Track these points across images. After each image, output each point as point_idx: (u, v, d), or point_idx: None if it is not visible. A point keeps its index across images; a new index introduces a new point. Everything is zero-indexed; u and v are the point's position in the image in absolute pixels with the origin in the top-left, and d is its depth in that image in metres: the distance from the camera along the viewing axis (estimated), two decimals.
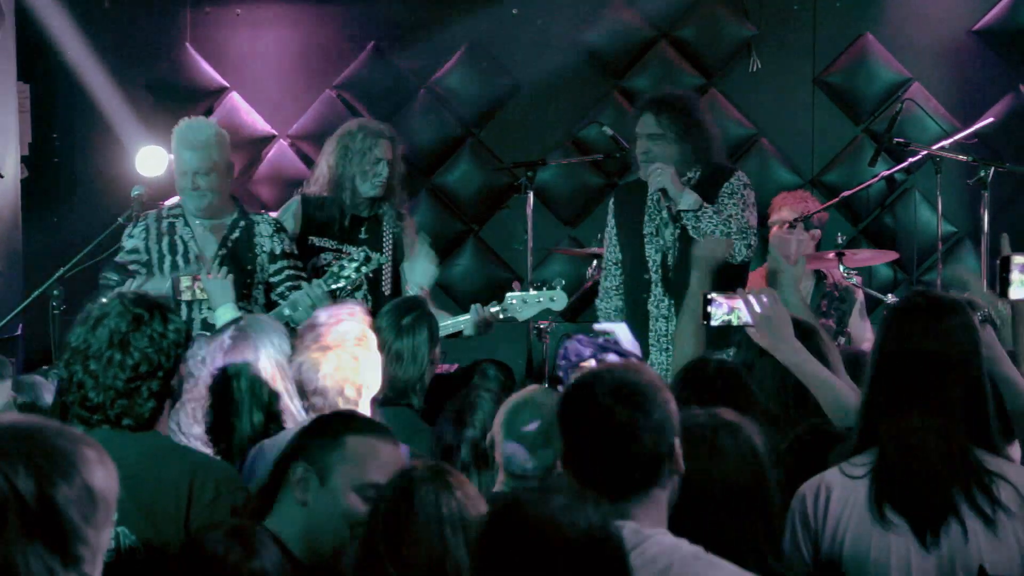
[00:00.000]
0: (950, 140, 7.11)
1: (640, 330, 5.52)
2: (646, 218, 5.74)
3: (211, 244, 5.64)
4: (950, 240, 8.01)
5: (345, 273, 5.49)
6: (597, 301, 5.96)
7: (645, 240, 5.71)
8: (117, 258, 5.73)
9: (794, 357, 3.64)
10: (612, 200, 5.94)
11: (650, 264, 5.70)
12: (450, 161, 8.50)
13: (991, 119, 7.49)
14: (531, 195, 6.88)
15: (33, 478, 2.03)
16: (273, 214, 7.83)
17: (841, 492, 3.08)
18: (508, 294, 5.68)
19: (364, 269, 5.52)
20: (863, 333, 6.86)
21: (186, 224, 5.66)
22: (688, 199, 5.59)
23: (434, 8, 8.42)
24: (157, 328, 3.34)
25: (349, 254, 5.82)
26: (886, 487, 3.03)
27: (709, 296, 3.87)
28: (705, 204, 5.60)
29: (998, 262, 3.34)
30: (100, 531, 2.11)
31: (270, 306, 5.66)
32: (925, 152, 6.91)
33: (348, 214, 5.96)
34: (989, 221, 6.66)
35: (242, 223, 5.69)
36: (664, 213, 5.72)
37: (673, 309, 5.62)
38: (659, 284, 5.69)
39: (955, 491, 3.00)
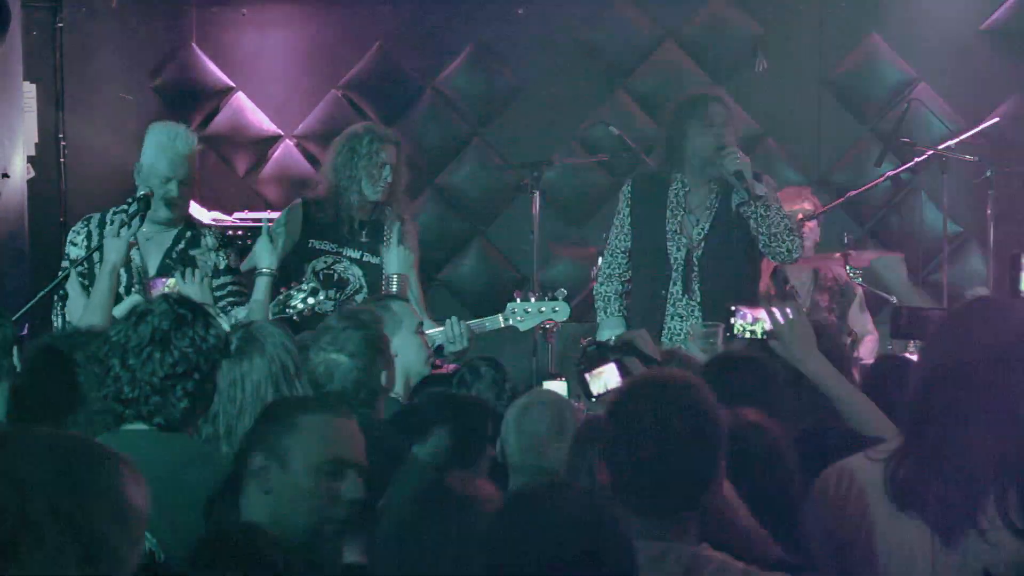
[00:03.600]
0: (956, 140, 7.10)
1: (654, 325, 5.51)
2: (668, 213, 5.71)
3: (154, 254, 5.53)
4: (956, 240, 7.97)
5: (292, 303, 5.39)
6: (596, 285, 5.94)
7: (668, 237, 5.69)
8: (63, 267, 5.56)
9: (818, 369, 3.61)
10: (628, 187, 5.88)
11: (671, 261, 5.68)
12: (455, 161, 8.50)
13: (997, 119, 7.48)
14: (537, 195, 6.89)
15: (69, 495, 2.01)
16: (275, 215, 7.91)
17: (864, 475, 2.99)
18: (509, 304, 5.64)
19: (311, 301, 5.39)
20: (864, 327, 6.89)
21: None
22: (762, 187, 5.60)
23: (439, 8, 8.42)
24: (199, 331, 3.38)
25: (346, 256, 5.86)
26: (909, 472, 2.92)
27: (733, 307, 3.85)
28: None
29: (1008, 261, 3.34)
30: (134, 547, 2.10)
31: None
32: (931, 152, 6.90)
33: (349, 217, 5.95)
34: (995, 221, 6.72)
35: (188, 235, 5.58)
36: (687, 214, 5.69)
37: (690, 308, 5.61)
38: (679, 282, 5.68)
39: (987, 492, 2.88)
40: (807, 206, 6.92)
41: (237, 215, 7.88)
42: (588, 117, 8.23)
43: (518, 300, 5.61)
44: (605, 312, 5.85)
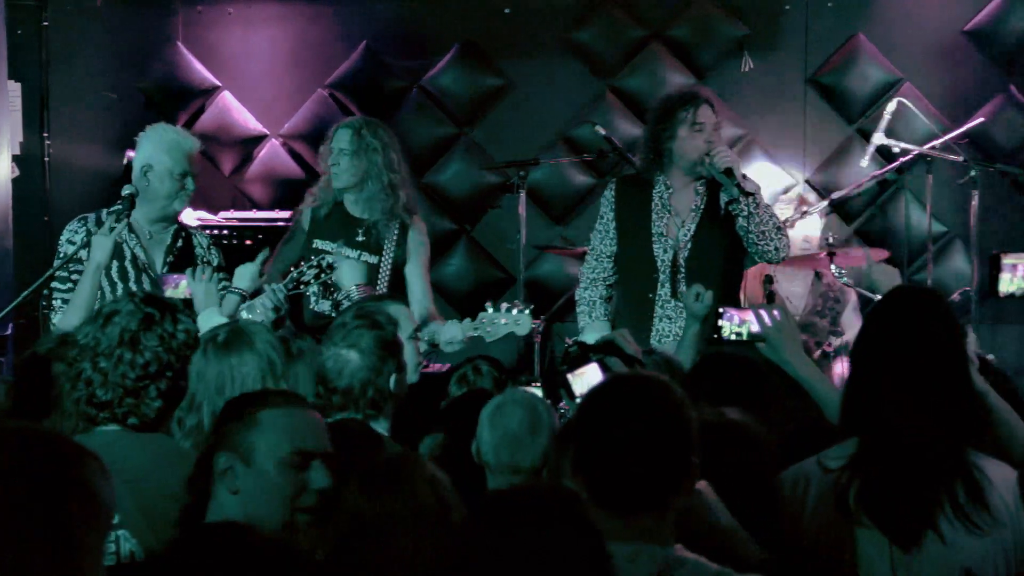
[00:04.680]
0: (941, 140, 7.12)
1: (641, 328, 5.51)
2: (653, 216, 5.69)
3: (157, 252, 5.60)
4: (941, 239, 8.01)
5: (304, 278, 5.47)
6: (579, 290, 5.86)
7: (654, 239, 5.67)
8: (55, 265, 5.57)
9: (804, 372, 3.61)
10: (611, 191, 5.82)
11: (659, 263, 5.65)
12: (442, 160, 8.50)
13: (981, 119, 7.52)
14: (523, 194, 6.93)
15: (38, 487, 2.02)
16: (261, 214, 7.91)
17: (819, 485, 3.05)
18: (481, 313, 5.60)
19: (323, 277, 5.49)
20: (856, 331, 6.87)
21: (131, 231, 5.57)
22: (753, 184, 5.60)
23: (426, 7, 8.42)
24: (168, 328, 3.37)
25: (346, 255, 5.87)
26: (864, 487, 3.00)
27: (721, 309, 3.85)
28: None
29: (988, 260, 3.40)
30: (101, 538, 2.12)
31: None
32: (916, 152, 6.91)
33: (344, 215, 5.97)
34: (979, 221, 6.71)
35: (183, 234, 5.68)
36: (672, 216, 5.67)
37: (678, 310, 5.59)
38: (667, 284, 5.66)
39: (941, 492, 2.97)
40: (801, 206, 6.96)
41: (223, 214, 7.87)
42: (574, 117, 8.24)
43: (489, 309, 5.55)
44: (590, 316, 5.79)
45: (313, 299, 5.90)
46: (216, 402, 3.62)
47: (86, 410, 3.35)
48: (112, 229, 5.27)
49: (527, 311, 5.56)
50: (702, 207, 5.67)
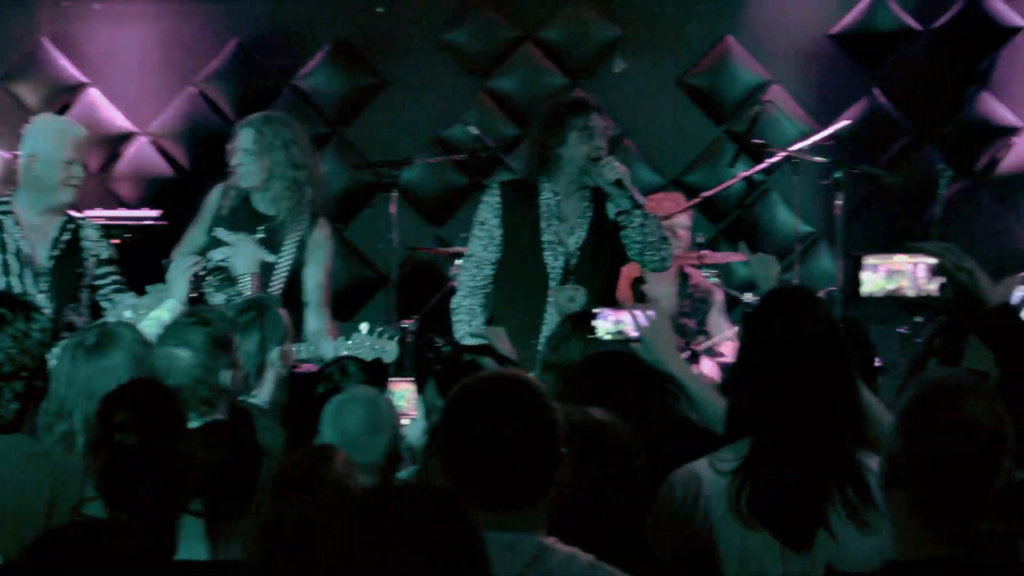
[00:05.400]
0: (807, 142, 7.16)
1: (530, 336, 5.42)
2: (543, 223, 5.62)
3: (42, 246, 5.55)
4: (807, 240, 8.11)
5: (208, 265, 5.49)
6: (457, 298, 5.75)
7: (544, 247, 5.60)
8: None
9: (679, 372, 3.62)
10: (496, 196, 5.68)
11: (549, 271, 5.59)
12: None
13: (847, 121, 7.58)
14: (396, 194, 6.85)
15: None
16: (131, 213, 7.78)
17: (710, 487, 3.08)
18: (355, 333, 5.48)
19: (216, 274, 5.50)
20: (722, 331, 6.96)
21: (16, 223, 5.52)
22: (640, 195, 5.61)
23: (298, 5, 8.36)
24: (20, 327, 3.30)
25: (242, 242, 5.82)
26: (755, 490, 3.03)
27: (595, 311, 3.87)
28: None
29: (851, 261, 3.45)
30: None
31: (95, 308, 5.60)
32: (783, 154, 6.97)
33: (250, 210, 5.87)
34: (844, 222, 6.77)
35: (71, 225, 5.64)
36: (561, 223, 5.64)
37: None
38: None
39: (830, 492, 3.01)
40: (670, 208, 7.00)
41: (88, 213, 7.71)
42: (448, 117, 8.22)
43: (363, 330, 5.44)
44: (469, 325, 5.65)
45: (210, 291, 5.78)
46: (87, 407, 3.54)
47: None
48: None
49: (395, 339, 5.47)
50: (590, 215, 5.65)
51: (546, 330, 5.47)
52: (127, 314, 5.28)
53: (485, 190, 5.82)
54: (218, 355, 3.98)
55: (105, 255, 5.65)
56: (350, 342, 5.41)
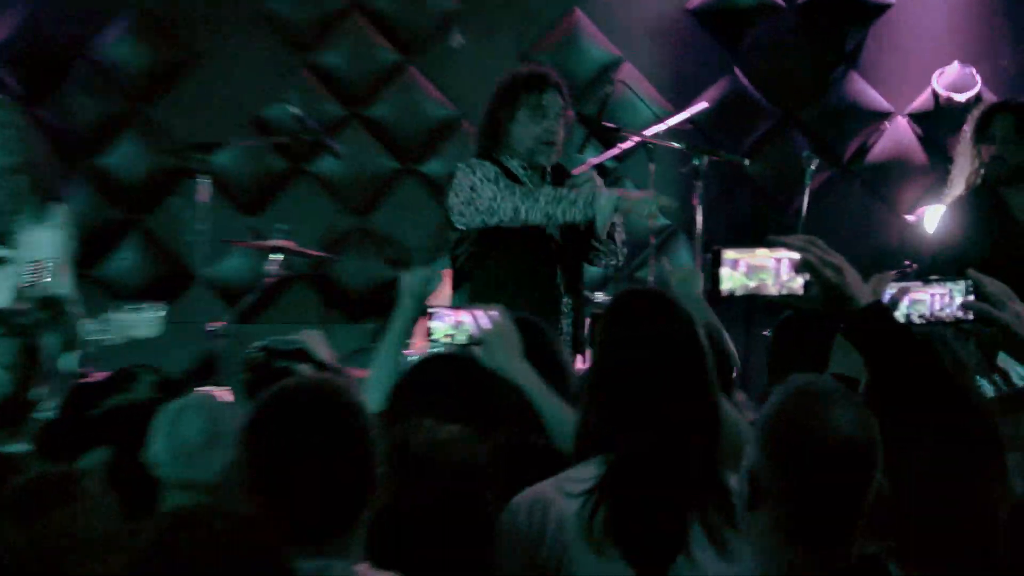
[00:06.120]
0: (663, 126, 7.00)
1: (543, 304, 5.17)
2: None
3: None
4: (663, 233, 8.03)
5: None
6: (506, 203, 5.26)
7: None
8: None
9: (523, 380, 3.52)
10: (488, 164, 5.31)
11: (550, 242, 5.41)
12: (113, 141, 8.00)
13: (705, 104, 7.46)
14: (206, 181, 6.81)
15: None
16: None
17: (558, 512, 2.98)
18: (103, 314, 5.32)
19: None
20: None
21: None
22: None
23: None
24: None
25: None
26: (610, 512, 2.94)
27: (431, 309, 3.81)
28: None
29: (709, 255, 3.19)
30: None
31: None
32: (637, 139, 6.72)
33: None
34: (704, 213, 6.63)
35: None
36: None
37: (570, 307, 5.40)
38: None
39: (694, 514, 2.94)
40: None
41: None
42: (266, 95, 7.95)
43: (119, 312, 5.32)
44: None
45: None
46: None
47: None
48: None
49: (158, 312, 5.32)
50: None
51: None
52: None
53: (466, 165, 5.38)
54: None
55: None
56: (101, 323, 5.33)
